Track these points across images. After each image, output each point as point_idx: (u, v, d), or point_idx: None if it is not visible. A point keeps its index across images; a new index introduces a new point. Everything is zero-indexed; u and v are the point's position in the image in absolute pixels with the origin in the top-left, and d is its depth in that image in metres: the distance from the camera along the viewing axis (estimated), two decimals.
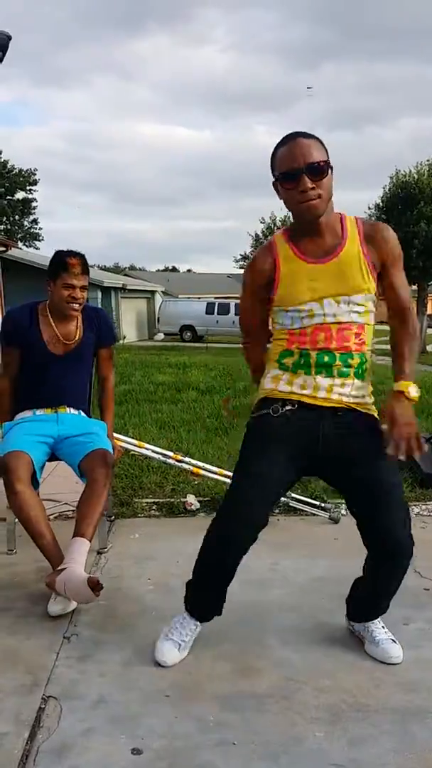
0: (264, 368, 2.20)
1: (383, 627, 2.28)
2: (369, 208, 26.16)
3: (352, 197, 22.31)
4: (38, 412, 2.96)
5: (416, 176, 24.68)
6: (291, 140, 1.93)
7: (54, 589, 2.49)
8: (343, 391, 2.05)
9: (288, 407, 2.07)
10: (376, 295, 2.03)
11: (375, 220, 2.03)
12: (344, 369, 2.03)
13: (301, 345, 2.05)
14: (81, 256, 2.91)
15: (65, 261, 2.86)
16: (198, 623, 2.23)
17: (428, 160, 24.06)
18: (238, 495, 2.05)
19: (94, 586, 2.37)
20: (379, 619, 2.29)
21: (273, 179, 1.99)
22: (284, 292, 2.04)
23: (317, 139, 1.95)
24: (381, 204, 25.25)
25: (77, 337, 2.99)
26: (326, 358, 2.03)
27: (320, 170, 1.90)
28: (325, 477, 2.25)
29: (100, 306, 25.05)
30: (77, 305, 2.91)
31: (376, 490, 2.02)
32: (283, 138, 1.95)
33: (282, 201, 2.00)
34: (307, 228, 2.00)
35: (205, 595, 2.21)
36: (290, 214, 2.03)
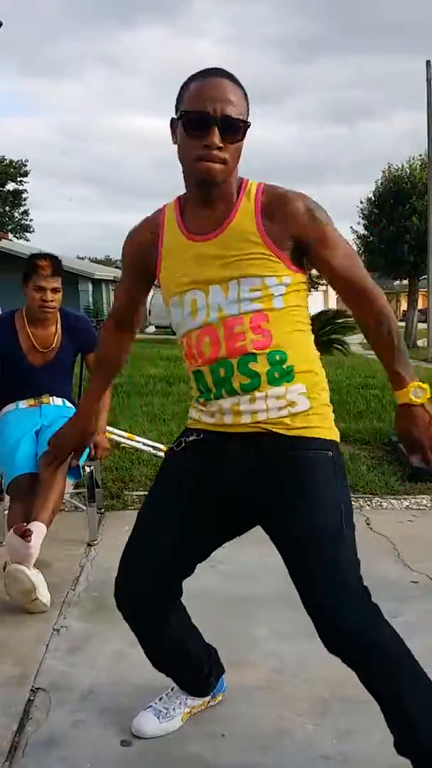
0: (113, 361, 1.91)
1: None
2: (361, 203, 26.17)
3: (345, 191, 22.35)
4: (21, 404, 2.99)
5: (408, 171, 24.70)
6: (212, 76, 1.48)
7: (6, 566, 2.45)
8: (256, 407, 1.54)
9: (192, 437, 1.64)
10: (295, 276, 1.57)
11: (287, 190, 1.56)
12: (248, 380, 1.53)
13: (192, 361, 1.62)
14: (52, 258, 2.94)
15: (35, 263, 2.89)
16: (187, 696, 1.89)
17: (420, 155, 24.06)
18: (123, 558, 1.70)
19: (22, 533, 2.36)
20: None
21: (174, 116, 1.54)
22: (166, 275, 1.63)
23: (242, 87, 1.51)
24: (373, 198, 25.26)
25: (54, 344, 3.01)
26: (222, 372, 1.54)
27: (236, 129, 1.47)
28: (255, 525, 1.70)
29: (90, 299, 25.11)
30: (50, 308, 2.92)
31: (297, 541, 1.53)
32: (203, 70, 1.51)
33: (175, 147, 1.55)
34: (197, 194, 1.56)
35: (161, 665, 1.84)
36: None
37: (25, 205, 45.45)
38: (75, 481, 2.93)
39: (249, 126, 1.50)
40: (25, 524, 2.41)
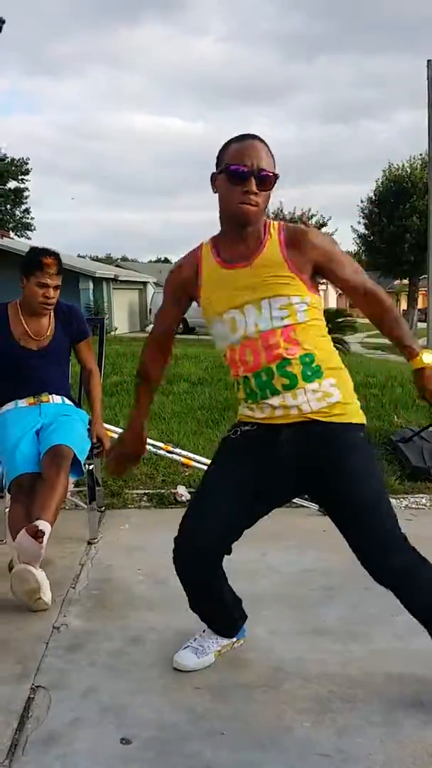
0: (152, 373, 2.19)
1: None
2: (362, 202, 26.13)
3: (346, 190, 22.33)
4: (21, 403, 3.00)
5: (409, 170, 24.71)
6: (249, 139, 1.89)
7: (13, 565, 2.48)
8: (299, 401, 1.89)
9: (247, 427, 1.99)
10: (313, 297, 1.93)
11: (300, 225, 2.03)
12: (287, 381, 1.88)
13: (236, 370, 1.96)
14: (56, 256, 2.97)
15: (40, 260, 2.92)
16: (218, 636, 2.19)
17: (421, 155, 24.05)
18: (186, 521, 1.99)
19: (33, 533, 2.38)
20: None
21: (215, 171, 1.92)
22: (205, 299, 1.99)
23: (269, 148, 1.91)
24: (374, 197, 25.26)
25: (48, 333, 3.05)
26: (264, 377, 1.90)
27: (268, 181, 1.86)
28: (308, 494, 2.20)
29: (92, 297, 25.08)
30: (50, 305, 2.98)
31: (348, 508, 1.90)
32: (240, 135, 1.91)
33: (217, 195, 1.93)
34: (232, 232, 1.93)
35: (205, 614, 2.16)
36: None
37: (26, 203, 45.39)
38: (76, 479, 2.94)
39: (278, 178, 1.89)
40: (37, 525, 2.42)
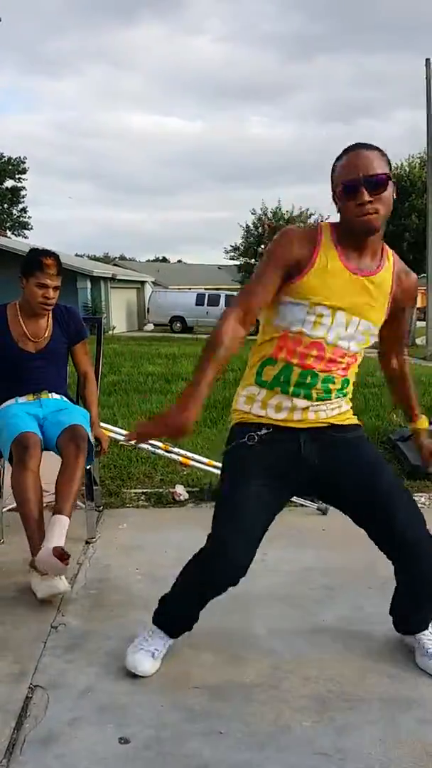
0: (229, 347, 1.83)
1: None
2: None
3: None
4: (20, 399, 3.01)
5: (408, 169, 24.71)
6: (351, 151, 1.85)
7: (36, 569, 2.51)
8: (321, 408, 1.99)
9: (263, 431, 1.98)
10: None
11: (396, 256, 2.02)
12: (324, 394, 1.97)
13: (289, 355, 1.93)
14: (56, 257, 2.98)
15: (40, 260, 2.93)
16: (168, 637, 2.15)
17: (419, 154, 24.07)
18: (223, 539, 1.97)
19: (59, 555, 2.40)
20: (430, 629, 2.17)
21: (332, 192, 1.90)
22: (313, 282, 1.87)
23: (379, 150, 1.87)
24: None
25: (46, 333, 3.06)
26: (308, 379, 1.94)
27: (379, 183, 1.80)
28: (320, 495, 2.29)
29: (89, 296, 25.03)
30: (50, 305, 2.99)
31: (377, 494, 1.98)
32: (344, 149, 1.88)
33: (338, 212, 1.90)
34: (354, 240, 1.89)
35: (178, 616, 2.16)
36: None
37: (23, 202, 45.38)
38: (88, 467, 2.96)
39: (390, 177, 1.84)
40: (62, 547, 2.43)
